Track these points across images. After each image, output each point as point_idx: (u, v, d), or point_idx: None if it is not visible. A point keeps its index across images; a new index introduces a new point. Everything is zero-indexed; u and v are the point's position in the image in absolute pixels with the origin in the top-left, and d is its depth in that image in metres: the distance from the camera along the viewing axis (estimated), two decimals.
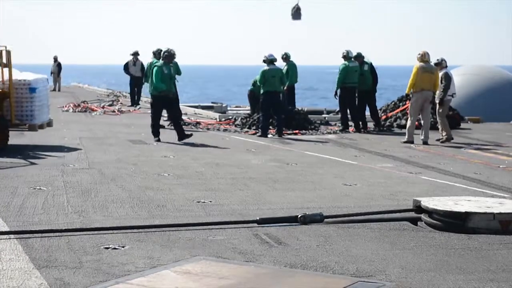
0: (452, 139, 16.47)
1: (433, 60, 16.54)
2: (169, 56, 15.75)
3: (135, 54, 26.20)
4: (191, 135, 15.65)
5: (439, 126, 16.75)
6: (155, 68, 15.66)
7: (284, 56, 20.90)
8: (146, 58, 20.12)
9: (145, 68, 19.96)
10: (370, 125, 19.54)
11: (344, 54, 19.04)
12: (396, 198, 9.10)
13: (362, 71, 19.10)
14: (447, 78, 16.60)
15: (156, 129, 15.72)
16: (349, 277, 5.58)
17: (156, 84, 15.51)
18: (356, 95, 19.17)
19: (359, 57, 19.23)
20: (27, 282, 5.26)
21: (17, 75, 13.87)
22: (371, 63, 19.45)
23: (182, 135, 15.48)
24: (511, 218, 7.15)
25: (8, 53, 13.70)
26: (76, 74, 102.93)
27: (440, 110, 16.70)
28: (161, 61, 15.85)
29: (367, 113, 19.68)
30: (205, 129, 18.82)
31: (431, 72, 16.17)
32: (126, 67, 26.39)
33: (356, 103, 19.23)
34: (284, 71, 19.36)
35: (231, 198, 8.91)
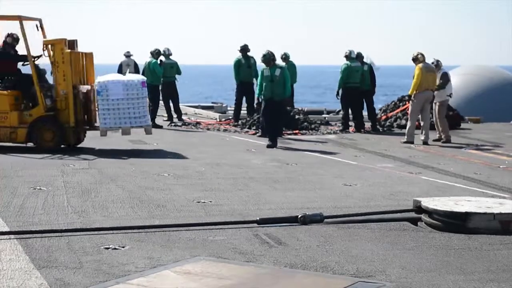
0: (450, 140, 16.46)
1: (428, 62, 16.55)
2: None
3: (128, 55, 26.32)
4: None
5: (438, 127, 16.71)
6: None
7: (284, 56, 20.91)
8: (144, 58, 20.09)
9: (144, 68, 19.96)
10: (368, 125, 19.53)
11: (347, 54, 19.03)
12: (396, 198, 9.10)
13: (362, 71, 19.11)
14: (445, 77, 16.60)
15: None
16: (349, 277, 5.58)
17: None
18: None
19: (359, 57, 19.23)
20: (27, 282, 5.26)
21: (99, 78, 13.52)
22: (370, 64, 19.45)
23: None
24: (511, 218, 7.16)
25: (90, 54, 13.69)
26: None
27: (438, 111, 16.68)
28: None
29: (365, 113, 19.70)
30: (205, 129, 18.82)
31: (433, 72, 16.20)
32: (120, 68, 26.49)
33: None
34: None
35: (231, 198, 8.91)
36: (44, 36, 13.70)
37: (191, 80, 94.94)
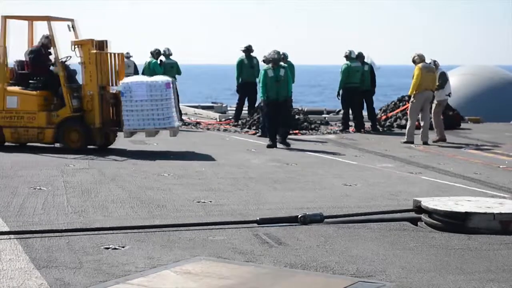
0: (445, 140, 16.46)
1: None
2: None
3: (128, 56, 26.76)
4: None
5: (435, 126, 16.70)
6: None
7: (282, 56, 20.91)
8: (144, 58, 20.11)
9: (144, 67, 19.98)
10: (368, 125, 19.53)
11: (347, 54, 19.02)
12: (396, 198, 9.10)
13: (362, 71, 19.11)
14: (444, 77, 16.61)
15: None
16: (349, 277, 5.58)
17: None
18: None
19: (360, 57, 19.22)
20: (27, 282, 5.26)
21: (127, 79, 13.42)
22: (370, 64, 19.44)
23: None
24: (511, 218, 7.16)
25: (121, 55, 13.62)
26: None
27: (434, 111, 16.67)
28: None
29: (365, 113, 19.70)
30: (205, 129, 18.82)
31: (433, 72, 16.20)
32: None
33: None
34: None
35: (231, 198, 8.91)
36: (77, 37, 13.60)
37: (192, 80, 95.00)
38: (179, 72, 20.63)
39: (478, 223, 7.12)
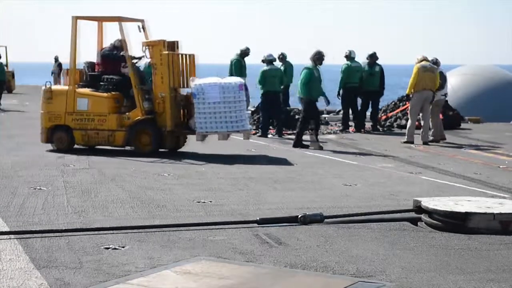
0: (444, 139, 16.47)
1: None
2: None
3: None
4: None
5: (434, 125, 16.71)
6: None
7: (281, 56, 20.90)
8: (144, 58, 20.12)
9: (144, 68, 19.94)
10: (369, 125, 19.53)
11: (347, 54, 19.03)
12: (396, 198, 9.10)
13: (373, 71, 19.06)
14: (443, 77, 16.63)
15: None
16: (349, 277, 5.58)
17: None
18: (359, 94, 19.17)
19: (373, 57, 19.16)
20: (27, 282, 5.26)
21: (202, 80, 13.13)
22: (381, 65, 19.40)
23: None
24: (511, 218, 7.15)
25: (192, 56, 13.35)
26: None
27: (433, 110, 16.67)
28: None
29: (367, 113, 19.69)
30: None
31: (432, 72, 16.19)
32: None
33: (361, 102, 19.21)
34: (281, 70, 19.46)
35: (231, 198, 8.91)
36: (147, 38, 13.41)
37: None
38: None
39: (478, 223, 7.12)
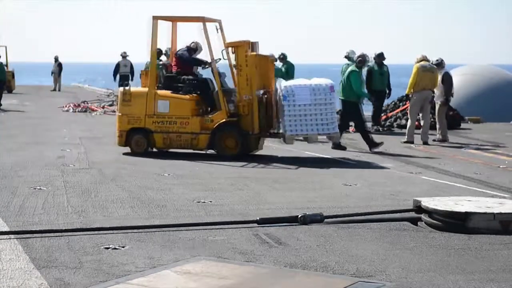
0: (447, 140, 16.47)
1: (432, 61, 16.54)
2: None
3: (124, 56, 28.44)
4: None
5: (437, 125, 16.74)
6: None
7: (281, 56, 20.91)
8: (142, 58, 20.19)
9: (145, 68, 19.98)
10: (369, 125, 19.52)
11: (347, 54, 19.02)
12: (396, 198, 9.10)
13: (382, 71, 19.08)
14: (449, 78, 16.62)
15: None
16: (349, 277, 5.58)
17: None
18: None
19: (380, 56, 19.15)
20: (27, 282, 5.26)
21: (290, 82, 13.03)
22: (387, 66, 19.40)
23: None
24: (511, 218, 7.15)
25: (269, 57, 13.15)
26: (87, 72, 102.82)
27: (438, 111, 16.71)
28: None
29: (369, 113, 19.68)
30: None
31: (432, 72, 16.19)
32: (117, 67, 28.44)
33: (373, 101, 19.19)
34: (283, 70, 19.48)
35: (231, 198, 8.91)
36: (224, 38, 13.09)
37: None
38: None
39: (478, 223, 7.12)
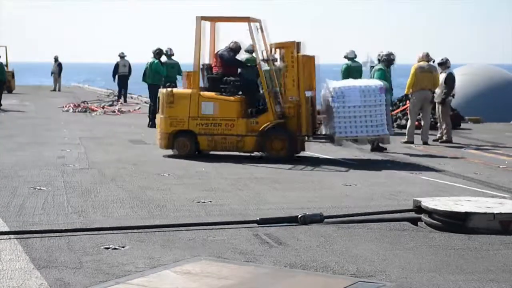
0: (451, 141, 16.47)
1: (437, 60, 16.56)
2: None
3: (122, 56, 28.82)
4: None
5: (442, 125, 16.71)
6: None
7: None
8: (142, 58, 20.20)
9: (146, 68, 19.98)
10: None
11: (347, 53, 19.03)
12: (396, 198, 9.10)
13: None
14: (452, 79, 16.61)
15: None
16: (349, 277, 5.58)
17: None
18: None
19: (390, 56, 19.10)
20: (27, 282, 5.26)
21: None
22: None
23: None
24: (511, 218, 7.15)
25: (312, 58, 12.86)
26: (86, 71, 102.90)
27: (442, 111, 16.71)
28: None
29: None
30: None
31: (430, 72, 16.18)
32: (117, 68, 28.72)
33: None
34: None
35: (231, 198, 8.91)
36: (264, 38, 12.88)
37: None
38: (180, 73, 20.58)
39: (478, 223, 7.12)
